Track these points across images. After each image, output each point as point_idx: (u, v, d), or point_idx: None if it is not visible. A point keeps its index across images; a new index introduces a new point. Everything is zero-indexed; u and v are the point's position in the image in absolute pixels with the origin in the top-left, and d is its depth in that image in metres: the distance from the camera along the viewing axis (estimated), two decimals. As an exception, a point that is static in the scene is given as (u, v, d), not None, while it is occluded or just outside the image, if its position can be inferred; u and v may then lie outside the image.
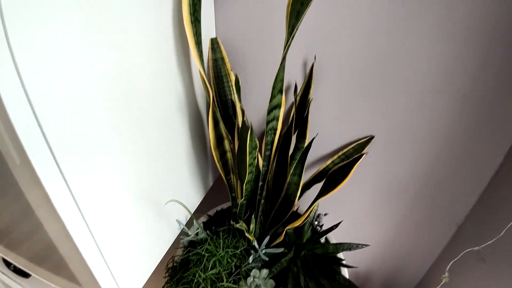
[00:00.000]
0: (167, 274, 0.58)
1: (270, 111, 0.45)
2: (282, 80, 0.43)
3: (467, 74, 0.50)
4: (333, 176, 0.47)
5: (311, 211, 0.54)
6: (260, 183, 0.55)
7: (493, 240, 0.46)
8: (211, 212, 0.75)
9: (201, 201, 0.72)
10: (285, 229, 0.54)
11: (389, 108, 0.59)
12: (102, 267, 0.43)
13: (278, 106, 0.45)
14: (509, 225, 0.44)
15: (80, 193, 0.36)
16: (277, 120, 0.47)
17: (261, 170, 0.53)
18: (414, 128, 0.59)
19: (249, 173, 0.48)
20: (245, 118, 0.45)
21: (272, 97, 0.43)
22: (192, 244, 0.62)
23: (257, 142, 0.46)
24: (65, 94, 0.32)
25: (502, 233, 0.45)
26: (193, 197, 0.65)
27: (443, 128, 0.57)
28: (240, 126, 0.49)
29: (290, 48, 0.59)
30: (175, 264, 0.59)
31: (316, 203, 0.48)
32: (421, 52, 0.51)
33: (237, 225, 0.53)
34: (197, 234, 0.60)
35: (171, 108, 0.51)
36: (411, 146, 0.62)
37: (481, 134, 0.55)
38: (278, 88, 0.43)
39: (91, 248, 0.40)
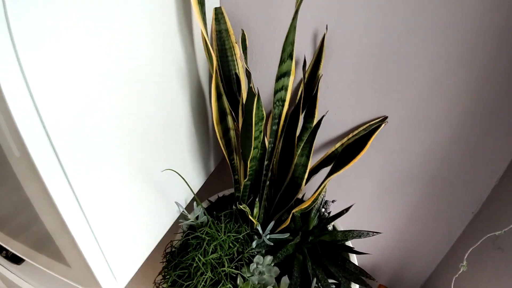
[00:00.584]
0: (164, 260, 0.54)
1: (278, 78, 0.41)
2: (293, 43, 0.39)
3: (485, 54, 0.46)
4: (347, 150, 0.43)
5: (320, 193, 0.51)
6: (266, 162, 0.51)
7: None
8: (213, 199, 0.71)
9: (203, 187, 0.68)
10: (292, 211, 0.50)
11: (403, 89, 0.55)
12: (93, 247, 0.39)
13: (287, 73, 0.42)
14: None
15: (70, 165, 0.33)
16: (286, 90, 0.43)
17: (267, 147, 0.49)
18: (429, 111, 0.55)
19: (254, 148, 0.45)
20: (251, 84, 0.41)
21: (282, 61, 0.39)
22: (192, 229, 0.58)
23: (264, 113, 0.42)
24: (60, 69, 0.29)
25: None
26: (194, 178, 0.61)
27: (460, 111, 0.53)
28: (245, 98, 0.45)
29: (298, 20, 0.56)
30: (173, 250, 0.56)
31: (326, 182, 0.44)
32: (439, 31, 0.47)
33: (240, 206, 0.49)
34: (197, 218, 0.56)
35: (172, 79, 0.47)
36: (426, 131, 0.58)
37: (499, 117, 0.51)
38: (288, 51, 0.39)
39: (81, 224, 0.37)
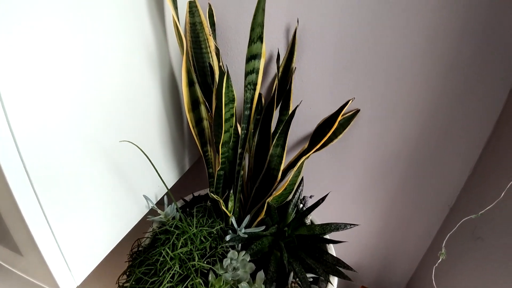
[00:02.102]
0: (130, 259, 0.50)
1: (248, 59, 0.41)
2: (262, 25, 0.40)
3: (450, 38, 0.49)
4: (318, 130, 0.43)
5: (295, 176, 0.49)
6: (239, 151, 0.49)
7: (493, 204, 0.42)
8: (188, 198, 0.68)
9: (177, 187, 0.65)
10: (267, 200, 0.48)
11: (374, 78, 0.56)
12: (46, 232, 0.35)
13: (257, 56, 0.42)
14: (508, 185, 0.40)
15: (24, 142, 0.31)
16: (257, 73, 0.43)
17: (240, 134, 0.48)
18: (400, 100, 0.57)
19: (225, 132, 0.43)
20: (221, 63, 0.41)
21: (251, 42, 0.39)
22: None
23: (235, 94, 0.41)
24: None
25: (501, 196, 0.42)
26: (166, 173, 0.59)
27: (429, 97, 0.55)
28: (216, 79, 0.44)
29: (271, 14, 0.57)
30: (140, 248, 0.52)
31: (301, 161, 0.43)
32: (404, 20, 0.49)
33: (213, 195, 0.46)
34: (168, 214, 0.53)
35: (140, 62, 0.46)
36: (397, 120, 0.59)
37: (468, 101, 0.53)
38: (257, 33, 0.39)
39: (32, 204, 0.34)
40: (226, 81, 0.38)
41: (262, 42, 0.41)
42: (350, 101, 0.46)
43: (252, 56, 0.41)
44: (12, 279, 0.41)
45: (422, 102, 0.55)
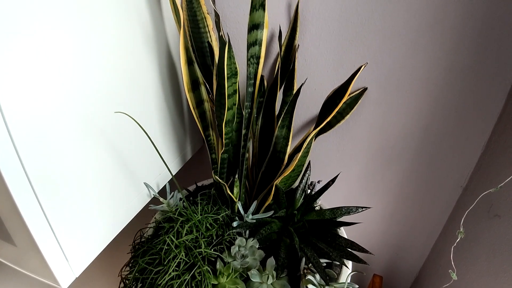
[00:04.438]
0: (132, 250, 0.47)
1: (250, 29, 0.38)
2: (264, -9, 0.37)
3: (460, 9, 0.46)
4: (327, 104, 0.40)
5: (303, 156, 0.47)
6: (243, 131, 0.47)
7: (510, 178, 0.40)
8: (191, 188, 0.65)
9: (180, 177, 0.62)
10: (275, 183, 0.45)
11: (380, 54, 0.54)
12: (42, 223, 0.33)
13: (260, 25, 0.39)
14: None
15: (17, 127, 0.28)
16: (260, 45, 0.41)
17: (243, 114, 0.46)
18: (409, 76, 0.54)
19: (228, 109, 0.41)
20: (221, 33, 0.38)
21: (253, 9, 0.37)
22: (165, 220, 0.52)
23: (237, 66, 0.39)
24: None
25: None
26: (168, 162, 0.56)
27: (440, 72, 0.53)
28: (216, 60, 0.41)
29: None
30: (143, 239, 0.49)
31: (309, 138, 0.40)
32: None
33: (216, 177, 0.44)
34: (170, 203, 0.50)
35: (137, 45, 0.43)
36: (406, 98, 0.56)
37: (480, 76, 0.51)
38: (259, -1, 0.37)
39: (28, 196, 0.31)
40: (228, 51, 0.36)
41: (264, 10, 0.38)
42: (363, 67, 0.43)
43: (254, 26, 0.39)
44: (5, 273, 0.38)
45: (432, 78, 0.53)
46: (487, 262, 0.50)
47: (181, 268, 0.40)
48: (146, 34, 0.44)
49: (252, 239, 0.47)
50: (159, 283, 0.36)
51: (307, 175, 0.56)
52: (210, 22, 0.51)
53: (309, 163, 0.56)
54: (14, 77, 0.28)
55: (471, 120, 0.55)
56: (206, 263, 0.42)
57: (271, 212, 0.49)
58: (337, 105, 0.39)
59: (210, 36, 0.52)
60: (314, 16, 0.54)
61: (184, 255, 0.40)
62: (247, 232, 0.51)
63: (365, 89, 0.58)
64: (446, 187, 0.63)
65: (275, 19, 0.56)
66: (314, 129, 0.41)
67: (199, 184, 0.66)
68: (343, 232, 0.55)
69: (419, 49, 0.51)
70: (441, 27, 0.48)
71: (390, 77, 0.55)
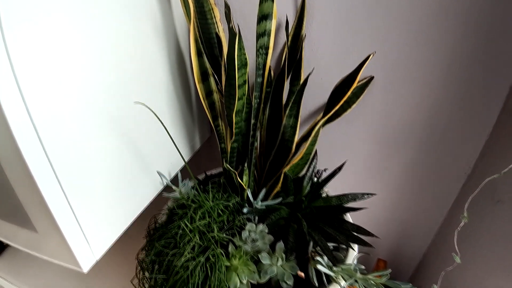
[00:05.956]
0: (147, 235, 0.49)
1: (260, 20, 0.39)
2: (272, -18, 0.38)
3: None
4: (335, 93, 0.41)
5: (311, 144, 0.48)
6: (252, 121, 0.48)
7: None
8: (200, 177, 0.67)
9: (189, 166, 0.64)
10: (283, 170, 0.47)
11: (388, 44, 0.54)
12: (65, 210, 0.35)
13: (269, 16, 0.40)
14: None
15: (41, 119, 0.30)
16: (269, 36, 0.41)
17: (253, 104, 0.47)
18: (415, 66, 0.55)
19: (238, 100, 0.42)
20: (231, 25, 0.39)
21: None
22: (177, 207, 0.54)
23: (247, 57, 0.40)
24: None
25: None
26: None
27: (446, 59, 0.53)
28: (225, 51, 0.42)
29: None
30: (157, 225, 0.51)
31: (318, 126, 0.42)
32: None
33: (226, 165, 0.45)
34: (182, 190, 0.52)
35: (147, 35, 0.44)
36: (412, 87, 0.57)
37: (485, 63, 0.51)
38: (268, -10, 0.37)
39: (50, 180, 0.33)
40: (238, 42, 0.36)
41: (273, 0, 0.39)
42: (371, 56, 0.44)
43: (264, 16, 0.39)
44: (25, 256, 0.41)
45: (440, 60, 0.53)
46: (491, 246, 0.51)
47: (196, 251, 0.42)
48: (155, 27, 0.45)
49: (261, 224, 0.49)
50: (175, 264, 0.39)
51: (313, 164, 0.58)
52: (217, 13, 0.52)
53: (315, 152, 0.58)
54: (39, 73, 0.30)
55: (476, 108, 0.55)
56: (219, 246, 0.44)
57: (280, 199, 0.51)
58: (345, 94, 0.40)
59: (218, 27, 0.52)
60: (322, 5, 0.54)
61: (198, 239, 0.43)
62: (256, 218, 0.53)
63: (372, 78, 0.58)
64: (451, 174, 0.64)
65: (281, 9, 0.56)
66: (322, 118, 0.42)
67: (208, 173, 0.68)
68: (349, 218, 0.57)
69: (427, 37, 0.51)
70: (452, 13, 0.48)
71: (396, 66, 0.55)
